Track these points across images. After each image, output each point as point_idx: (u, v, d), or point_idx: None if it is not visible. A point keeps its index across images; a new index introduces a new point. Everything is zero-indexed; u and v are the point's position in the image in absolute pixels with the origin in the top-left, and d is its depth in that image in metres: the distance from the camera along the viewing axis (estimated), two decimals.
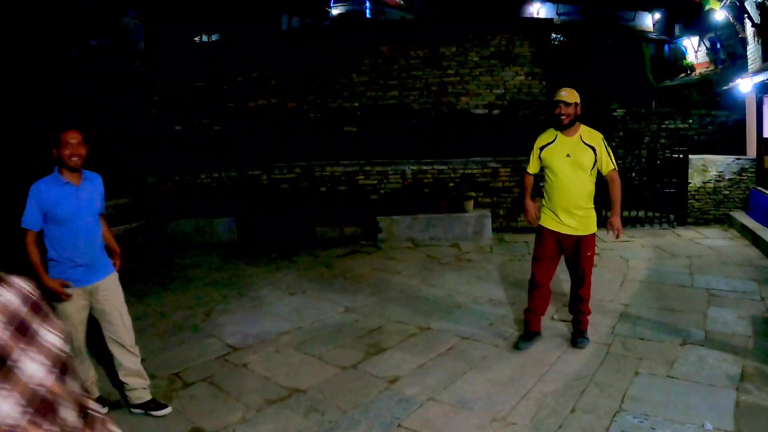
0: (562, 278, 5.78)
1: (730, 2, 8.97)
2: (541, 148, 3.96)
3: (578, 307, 4.08)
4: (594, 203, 4.07)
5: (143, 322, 4.80)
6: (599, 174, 3.97)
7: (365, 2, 21.54)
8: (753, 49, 8.61)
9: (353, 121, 9.61)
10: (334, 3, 21.98)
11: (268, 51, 9.90)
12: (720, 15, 9.58)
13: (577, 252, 3.98)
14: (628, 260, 6.42)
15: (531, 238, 7.69)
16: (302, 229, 8.02)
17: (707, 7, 9.51)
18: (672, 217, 8.32)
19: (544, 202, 4.04)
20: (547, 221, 3.98)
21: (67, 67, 9.68)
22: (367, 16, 21.41)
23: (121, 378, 3.29)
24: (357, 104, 9.65)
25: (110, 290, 3.22)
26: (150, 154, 9.36)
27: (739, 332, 4.20)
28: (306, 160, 8.70)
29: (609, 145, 3.97)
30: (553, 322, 4.58)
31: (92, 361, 3.40)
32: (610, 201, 4.08)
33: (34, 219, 3.06)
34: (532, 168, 4.12)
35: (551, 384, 3.47)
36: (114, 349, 3.27)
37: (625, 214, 8.23)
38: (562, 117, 3.80)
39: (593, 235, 4.00)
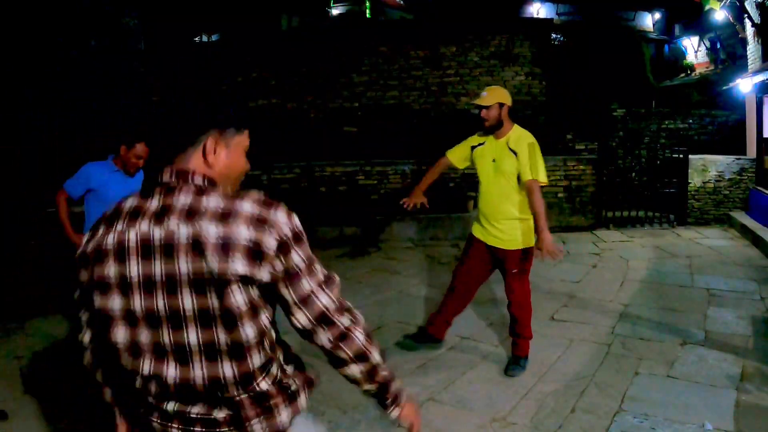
0: (561, 278, 5.78)
1: (730, 2, 8.97)
2: (473, 148, 3.64)
3: (514, 329, 3.66)
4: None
5: None
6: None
7: (365, 2, 21.53)
8: (753, 49, 8.61)
9: (353, 121, 9.61)
10: (334, 3, 21.98)
11: (268, 51, 9.90)
12: (720, 15, 9.58)
13: (503, 267, 3.58)
14: (628, 260, 6.42)
15: None
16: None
17: (707, 7, 9.51)
18: (672, 217, 8.32)
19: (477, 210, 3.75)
20: (475, 227, 3.68)
21: (67, 67, 9.67)
22: (367, 16, 21.40)
23: None
24: (357, 104, 9.65)
25: None
26: (149, 154, 9.35)
27: (739, 332, 4.20)
28: (306, 160, 8.70)
29: (535, 152, 3.41)
30: (553, 322, 4.58)
31: None
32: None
33: (75, 188, 3.54)
34: (454, 153, 3.74)
35: (551, 384, 3.47)
36: None
37: (625, 214, 8.25)
38: (483, 120, 3.47)
39: (523, 251, 3.49)
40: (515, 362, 3.67)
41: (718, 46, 17.35)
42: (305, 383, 1.36)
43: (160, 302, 1.11)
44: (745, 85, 8.06)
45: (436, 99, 9.66)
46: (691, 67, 19.32)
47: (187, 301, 1.10)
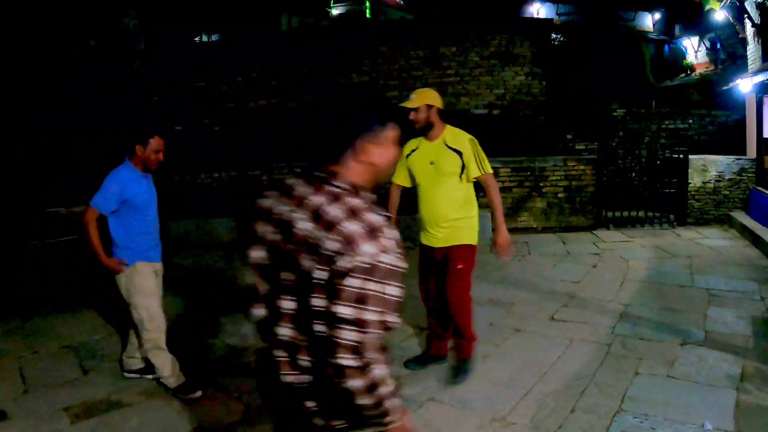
0: (561, 278, 5.78)
1: (730, 2, 8.97)
2: (407, 156, 3.54)
3: (458, 331, 3.59)
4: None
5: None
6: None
7: (365, 2, 21.53)
8: (753, 49, 8.61)
9: None
10: (334, 3, 21.98)
11: (268, 51, 9.90)
12: (720, 15, 9.57)
13: (446, 265, 3.51)
14: (628, 260, 6.42)
15: (531, 238, 7.73)
16: None
17: (707, 7, 9.50)
18: (672, 217, 8.32)
19: (419, 215, 3.65)
20: (422, 236, 3.63)
21: (67, 67, 9.67)
22: (367, 16, 21.40)
23: (138, 350, 3.68)
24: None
25: (162, 272, 3.64)
26: None
27: (739, 332, 4.20)
28: (306, 160, 8.68)
29: (477, 147, 3.49)
30: (553, 322, 4.58)
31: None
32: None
33: (109, 204, 3.29)
34: (399, 177, 3.65)
35: (551, 384, 3.47)
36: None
37: (625, 214, 8.25)
38: (413, 122, 3.40)
39: (467, 246, 3.51)
40: (461, 367, 3.60)
41: (718, 46, 17.35)
42: None
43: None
44: (745, 85, 8.06)
45: None
46: (691, 67, 19.32)
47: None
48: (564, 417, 3.08)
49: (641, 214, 8.29)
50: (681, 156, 8.37)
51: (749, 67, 8.76)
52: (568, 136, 9.60)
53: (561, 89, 10.14)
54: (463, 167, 3.43)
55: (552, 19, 15.39)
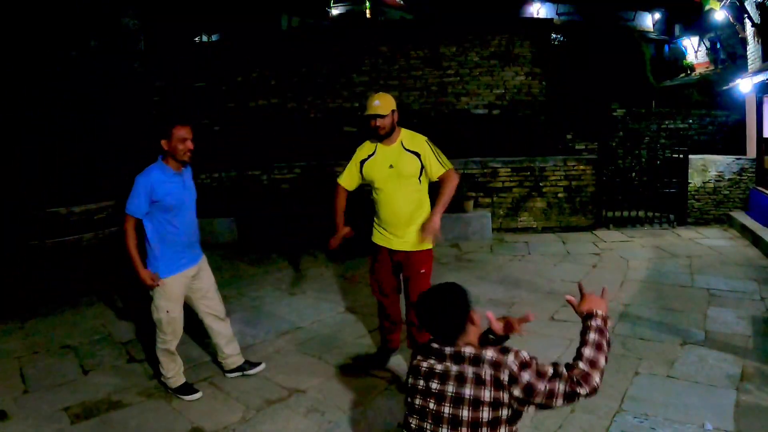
0: (561, 278, 5.78)
1: (730, 2, 8.97)
2: (362, 162, 3.54)
3: (414, 337, 3.62)
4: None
5: (142, 323, 4.80)
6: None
7: (365, 2, 21.54)
8: (753, 49, 8.61)
9: (353, 121, 9.61)
10: (334, 3, 21.98)
11: (268, 51, 9.89)
12: (720, 15, 9.57)
13: (408, 270, 3.53)
14: (628, 260, 6.42)
15: (531, 238, 7.74)
16: (302, 229, 8.01)
17: (707, 7, 9.50)
18: (672, 217, 8.32)
19: (375, 219, 3.67)
20: (377, 237, 3.64)
21: (67, 67, 9.67)
22: (367, 16, 21.41)
23: (223, 348, 3.63)
24: (357, 104, 9.65)
25: (207, 269, 3.57)
26: (150, 154, 9.35)
27: (739, 332, 4.20)
28: (306, 160, 8.69)
29: (434, 147, 3.51)
30: (553, 322, 4.58)
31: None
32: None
33: (141, 206, 3.17)
34: (346, 180, 3.67)
35: None
36: (212, 322, 3.57)
37: (625, 214, 8.25)
38: (379, 129, 3.39)
39: (426, 252, 3.54)
40: None
41: (718, 46, 17.36)
42: None
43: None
44: (745, 85, 8.06)
45: (436, 99, 9.66)
46: (691, 67, 19.32)
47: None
48: (564, 417, 3.08)
49: (641, 214, 8.29)
50: (681, 156, 8.37)
51: (749, 67, 8.76)
52: (568, 136, 9.60)
53: (561, 89, 10.13)
54: (422, 169, 3.44)
55: (552, 19, 15.39)
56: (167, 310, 3.31)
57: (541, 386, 1.67)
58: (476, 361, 1.72)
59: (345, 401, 3.35)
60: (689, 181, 8.31)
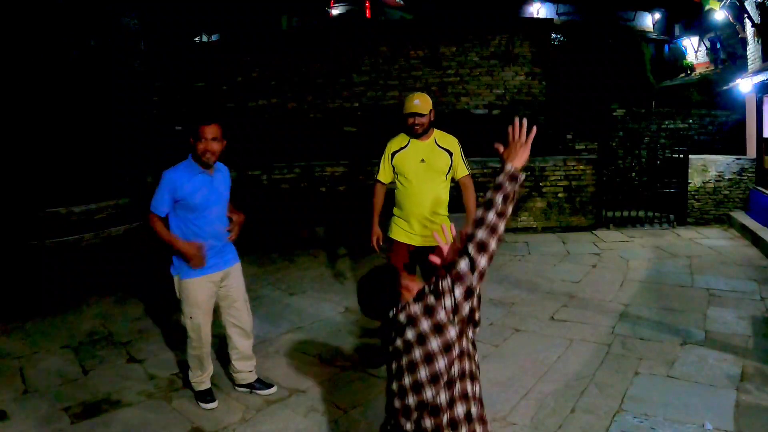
0: (561, 278, 5.78)
1: (730, 2, 8.97)
2: (393, 154, 3.62)
3: None
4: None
5: (142, 323, 4.80)
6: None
7: (365, 2, 21.54)
8: (753, 49, 8.61)
9: (353, 121, 9.61)
10: (334, 3, 21.99)
11: (268, 51, 9.90)
12: (720, 15, 9.59)
13: (429, 264, 3.71)
14: (628, 260, 6.42)
15: (531, 238, 7.73)
16: (302, 229, 8.01)
17: (707, 7, 9.52)
18: (672, 217, 8.32)
19: (395, 211, 3.71)
20: (398, 233, 3.66)
21: (67, 67, 9.67)
22: (367, 16, 21.40)
23: (234, 362, 3.48)
24: (357, 104, 9.65)
25: (237, 277, 3.43)
26: (150, 155, 9.36)
27: (739, 332, 4.20)
28: (306, 160, 8.70)
29: (461, 150, 3.67)
30: (553, 322, 4.58)
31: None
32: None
33: (163, 205, 3.12)
34: (384, 176, 3.72)
35: (551, 384, 3.47)
36: (234, 332, 3.44)
37: (625, 214, 8.25)
38: (416, 127, 3.50)
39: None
40: None
41: (718, 46, 17.34)
42: None
43: None
44: (745, 85, 8.06)
45: (436, 99, 9.62)
46: (691, 67, 19.30)
47: None
48: (564, 417, 3.08)
49: (641, 214, 8.29)
50: (681, 156, 8.37)
51: (749, 67, 8.76)
52: (568, 136, 9.60)
53: (561, 89, 10.14)
54: (451, 166, 3.60)
55: (552, 19, 15.38)
56: (190, 315, 3.23)
57: (459, 290, 1.69)
58: (412, 320, 1.73)
59: (345, 401, 3.35)
60: (689, 181, 8.31)
